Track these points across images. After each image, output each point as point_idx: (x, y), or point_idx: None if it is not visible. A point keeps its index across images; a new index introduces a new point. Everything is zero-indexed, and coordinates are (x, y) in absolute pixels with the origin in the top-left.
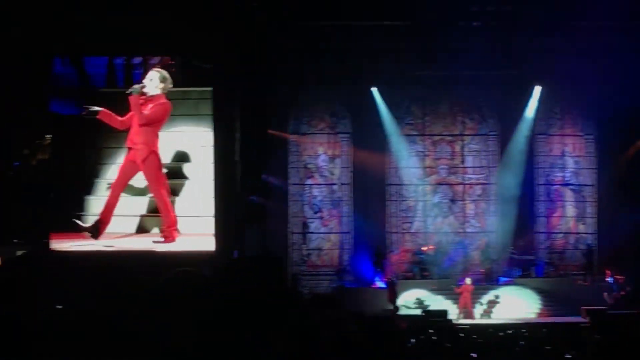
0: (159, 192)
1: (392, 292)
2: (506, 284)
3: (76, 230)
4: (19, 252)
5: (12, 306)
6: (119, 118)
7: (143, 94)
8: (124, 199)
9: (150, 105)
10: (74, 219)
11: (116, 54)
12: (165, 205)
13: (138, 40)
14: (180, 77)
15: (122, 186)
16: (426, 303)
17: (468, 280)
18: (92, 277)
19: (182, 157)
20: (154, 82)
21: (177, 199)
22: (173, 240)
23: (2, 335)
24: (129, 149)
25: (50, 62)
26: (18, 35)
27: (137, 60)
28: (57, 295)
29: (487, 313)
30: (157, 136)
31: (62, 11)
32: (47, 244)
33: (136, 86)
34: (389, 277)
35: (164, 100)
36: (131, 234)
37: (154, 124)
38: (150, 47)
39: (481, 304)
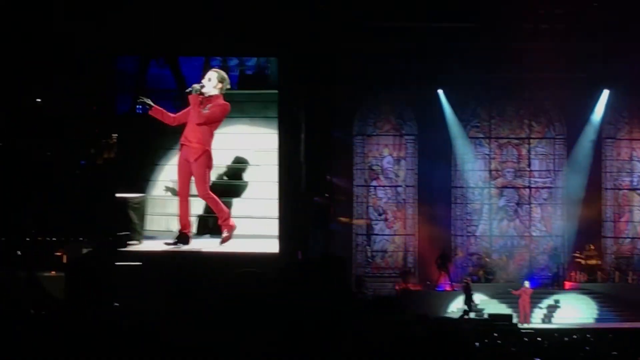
0: (206, 190)
1: (467, 295)
2: (572, 288)
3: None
4: (86, 250)
5: (77, 303)
6: (171, 115)
7: (202, 93)
8: (170, 201)
9: (208, 105)
10: (165, 242)
11: (182, 54)
12: (215, 201)
13: (206, 40)
14: (245, 79)
15: (187, 187)
16: (480, 307)
17: (526, 284)
18: (157, 277)
19: (244, 159)
20: (212, 82)
21: (237, 200)
22: (233, 228)
23: (68, 331)
24: (182, 145)
25: (114, 61)
26: (84, 34)
27: (234, 61)
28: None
29: (547, 317)
30: (212, 136)
31: (126, 10)
32: (114, 242)
33: (195, 86)
34: (465, 280)
35: (222, 101)
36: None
37: (211, 124)
38: (218, 47)
39: (541, 308)
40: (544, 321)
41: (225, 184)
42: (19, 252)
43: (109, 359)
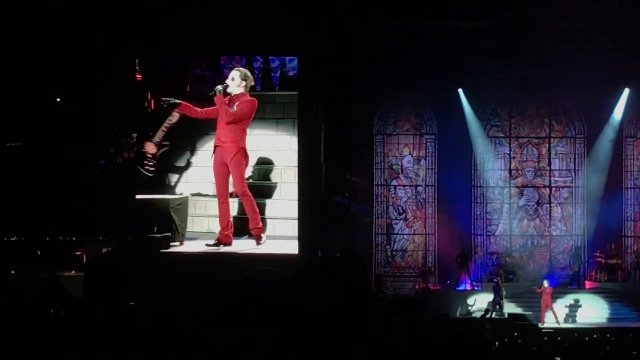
0: (244, 187)
1: (496, 294)
2: (593, 288)
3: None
4: (105, 250)
5: (95, 303)
6: (199, 109)
7: (227, 94)
8: (211, 202)
9: (236, 103)
10: (206, 244)
11: (202, 53)
12: (251, 201)
13: (226, 39)
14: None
15: (225, 189)
16: (507, 307)
17: (546, 283)
18: (174, 276)
19: (268, 160)
20: (236, 81)
21: (265, 201)
22: (264, 231)
23: (83, 332)
24: (216, 147)
25: (133, 61)
26: (103, 34)
27: (275, 63)
28: (139, 293)
29: (569, 317)
30: (245, 133)
31: (143, 9)
32: (134, 242)
33: (219, 87)
34: (495, 280)
35: (248, 97)
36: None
37: (240, 121)
38: (237, 47)
39: (563, 307)
40: (566, 321)
41: (253, 185)
42: (38, 252)
43: (125, 357)
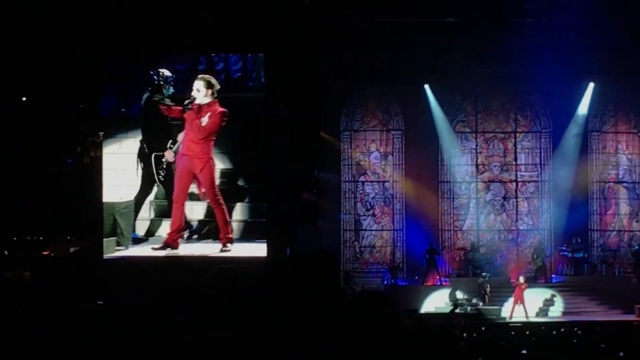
0: (218, 198)
1: (481, 290)
2: (559, 282)
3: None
4: (72, 249)
5: (60, 301)
6: (174, 107)
7: (194, 104)
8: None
9: (207, 114)
10: (152, 247)
11: (164, 51)
12: (223, 210)
13: (188, 37)
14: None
15: (184, 195)
16: (474, 301)
17: (521, 279)
18: (139, 278)
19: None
20: (202, 91)
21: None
22: (232, 241)
23: (51, 328)
24: (183, 155)
25: (103, 60)
26: (72, 34)
27: (220, 65)
28: (104, 293)
29: (542, 311)
30: (213, 143)
31: (109, 9)
32: (100, 242)
33: (186, 102)
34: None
35: (219, 108)
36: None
37: (212, 135)
38: (200, 44)
39: (536, 302)
40: (538, 315)
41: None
42: (5, 252)
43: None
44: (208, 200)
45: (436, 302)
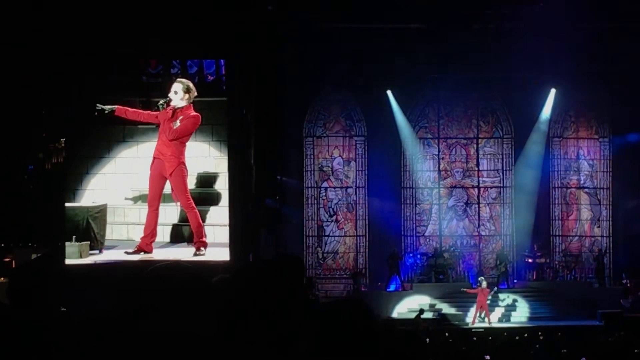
0: (189, 203)
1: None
2: (521, 287)
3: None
4: (34, 256)
5: (23, 310)
6: (140, 111)
7: (169, 106)
8: (130, 210)
9: (180, 117)
10: (125, 252)
11: (128, 56)
12: (196, 215)
13: (151, 43)
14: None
15: (157, 199)
16: (438, 307)
17: (484, 283)
18: (102, 284)
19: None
20: (179, 94)
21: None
22: (206, 245)
23: (13, 339)
24: (155, 159)
25: (65, 64)
26: (32, 39)
27: (194, 69)
28: (68, 300)
29: (504, 316)
30: (185, 147)
31: (72, 12)
32: (63, 248)
33: (160, 102)
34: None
35: (192, 112)
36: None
37: (183, 138)
38: (163, 50)
39: (499, 307)
40: (501, 320)
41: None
42: None
43: None
44: (181, 206)
45: (399, 308)
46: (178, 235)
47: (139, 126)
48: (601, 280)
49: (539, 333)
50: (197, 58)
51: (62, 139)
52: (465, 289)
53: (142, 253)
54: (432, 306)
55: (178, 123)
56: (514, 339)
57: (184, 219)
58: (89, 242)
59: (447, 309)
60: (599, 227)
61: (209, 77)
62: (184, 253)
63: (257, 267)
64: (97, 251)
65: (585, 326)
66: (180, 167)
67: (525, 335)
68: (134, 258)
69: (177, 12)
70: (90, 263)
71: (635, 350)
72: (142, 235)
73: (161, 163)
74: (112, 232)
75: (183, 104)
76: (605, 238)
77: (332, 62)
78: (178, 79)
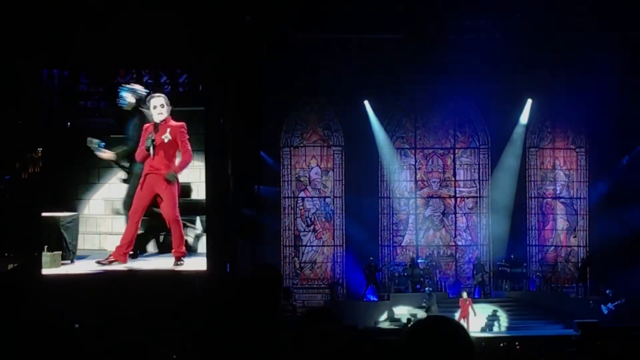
0: (177, 217)
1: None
2: (498, 297)
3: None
4: (10, 266)
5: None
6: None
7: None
8: (102, 219)
9: (168, 130)
10: (96, 261)
11: (105, 68)
12: (180, 226)
13: (127, 55)
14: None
15: (141, 213)
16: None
17: (464, 294)
18: (78, 295)
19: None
20: (165, 107)
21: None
22: (185, 255)
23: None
24: (147, 175)
25: (40, 74)
26: (7, 46)
27: (163, 78)
28: (43, 310)
29: (487, 326)
30: (175, 159)
31: (50, 22)
32: (39, 258)
33: (149, 144)
34: (428, 289)
35: (174, 122)
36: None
37: (175, 151)
38: (139, 63)
39: (483, 317)
40: (483, 330)
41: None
42: None
43: None
44: (167, 219)
45: (375, 317)
46: (143, 245)
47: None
48: (580, 289)
49: (516, 343)
50: (174, 68)
51: (38, 149)
52: (460, 297)
53: (116, 263)
54: (413, 316)
55: (169, 136)
56: (491, 348)
57: (146, 229)
58: (60, 252)
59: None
60: (575, 237)
61: (182, 87)
62: (163, 263)
63: (235, 286)
64: (68, 261)
65: (561, 336)
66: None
67: (502, 345)
68: (108, 268)
69: (151, 23)
70: (67, 273)
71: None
72: (118, 244)
73: (155, 178)
74: (84, 242)
75: (165, 116)
76: (582, 248)
77: (310, 72)
78: (156, 94)
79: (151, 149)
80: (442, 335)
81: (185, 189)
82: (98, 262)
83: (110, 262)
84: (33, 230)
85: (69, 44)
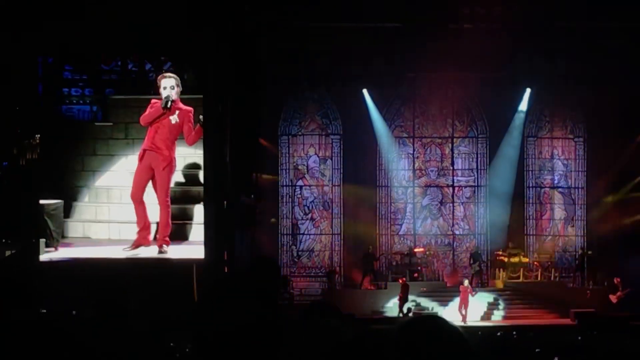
0: (167, 200)
1: (403, 295)
2: (494, 286)
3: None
4: (8, 253)
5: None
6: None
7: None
8: (86, 207)
9: (177, 112)
10: (123, 249)
11: (105, 57)
12: (168, 212)
13: (127, 43)
14: None
15: (142, 192)
16: (423, 306)
17: (465, 282)
18: (81, 283)
19: (197, 165)
20: (175, 88)
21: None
22: (169, 244)
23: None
24: (146, 151)
25: (37, 62)
26: (5, 34)
27: (148, 66)
28: (45, 298)
29: (487, 315)
30: (175, 144)
31: (49, 11)
32: (37, 245)
33: (169, 101)
34: (402, 279)
35: (184, 106)
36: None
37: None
38: (139, 51)
39: (483, 305)
40: (483, 318)
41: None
42: None
43: None
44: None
45: (373, 306)
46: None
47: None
48: (582, 278)
49: (513, 332)
50: (173, 57)
51: (36, 135)
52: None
53: (141, 247)
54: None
55: (176, 118)
56: (487, 337)
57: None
58: (44, 240)
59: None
60: (572, 226)
61: (148, 76)
62: (146, 251)
63: (232, 276)
64: (52, 248)
65: (558, 325)
66: (172, 163)
67: (499, 334)
68: (135, 254)
69: (153, 11)
70: (67, 259)
71: (609, 350)
72: (138, 229)
73: (154, 156)
74: (67, 229)
75: (175, 97)
76: (579, 237)
77: (308, 60)
78: (167, 74)
79: (169, 103)
80: (434, 336)
81: (189, 177)
82: (124, 249)
83: (136, 247)
84: (31, 217)
85: (54, 30)
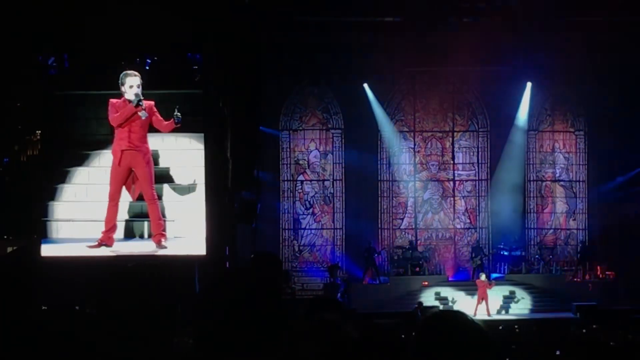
0: (154, 194)
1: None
2: (497, 280)
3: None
4: (10, 249)
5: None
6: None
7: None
8: (59, 205)
9: (143, 107)
10: (87, 246)
11: (102, 52)
12: (159, 211)
13: (126, 38)
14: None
15: (120, 192)
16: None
17: (482, 276)
18: (83, 280)
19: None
20: (140, 87)
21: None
22: (166, 238)
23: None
24: (124, 152)
25: (37, 58)
26: (7, 31)
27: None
28: (44, 295)
29: (502, 308)
30: None
31: (48, 8)
32: (38, 241)
33: (139, 99)
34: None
35: (150, 102)
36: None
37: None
38: (139, 44)
39: (499, 299)
40: (499, 312)
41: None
42: None
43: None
44: (145, 197)
45: (376, 300)
46: (130, 231)
47: None
48: (579, 272)
49: (515, 326)
50: (175, 52)
51: (37, 132)
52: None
53: (104, 246)
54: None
55: (145, 113)
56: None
57: (135, 214)
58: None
59: (433, 301)
60: (574, 220)
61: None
62: (145, 247)
63: (234, 272)
64: None
65: (559, 319)
66: (151, 157)
67: (500, 327)
68: (96, 253)
69: (151, 6)
70: (66, 256)
71: (610, 343)
72: (104, 229)
73: (134, 154)
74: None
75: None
76: (581, 231)
77: (309, 55)
78: (132, 72)
79: (141, 101)
80: (455, 331)
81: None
82: (88, 247)
83: (99, 246)
84: (33, 213)
85: (61, 30)
